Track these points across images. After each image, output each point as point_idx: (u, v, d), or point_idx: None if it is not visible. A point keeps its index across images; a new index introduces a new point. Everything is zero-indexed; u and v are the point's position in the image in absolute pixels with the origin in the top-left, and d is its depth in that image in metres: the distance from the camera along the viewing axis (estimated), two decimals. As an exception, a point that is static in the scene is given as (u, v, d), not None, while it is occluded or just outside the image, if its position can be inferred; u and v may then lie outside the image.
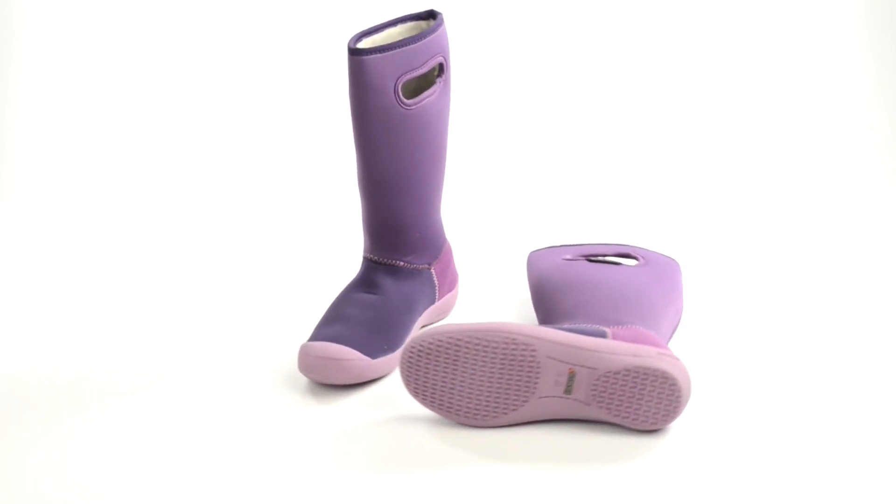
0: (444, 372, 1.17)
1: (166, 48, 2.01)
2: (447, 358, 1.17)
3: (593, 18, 2.05)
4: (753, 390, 1.26)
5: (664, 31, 2.04)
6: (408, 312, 1.35)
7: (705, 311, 1.47)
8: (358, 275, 1.37)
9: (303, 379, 1.31)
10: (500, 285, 1.56)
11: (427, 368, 1.18)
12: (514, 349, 1.16)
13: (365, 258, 1.37)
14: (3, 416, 1.22)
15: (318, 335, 1.28)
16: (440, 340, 1.17)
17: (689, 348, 1.37)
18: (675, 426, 1.19)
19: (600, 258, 1.42)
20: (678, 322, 1.34)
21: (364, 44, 1.30)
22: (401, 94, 1.29)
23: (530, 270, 1.40)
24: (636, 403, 1.16)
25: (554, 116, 2.01)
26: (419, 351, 1.17)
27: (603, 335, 1.18)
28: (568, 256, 1.40)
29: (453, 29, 2.03)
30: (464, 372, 1.17)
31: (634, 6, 2.04)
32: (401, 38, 1.34)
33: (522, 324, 1.19)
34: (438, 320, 1.44)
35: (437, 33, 1.32)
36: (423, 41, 1.30)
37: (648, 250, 1.42)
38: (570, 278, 1.33)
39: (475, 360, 1.17)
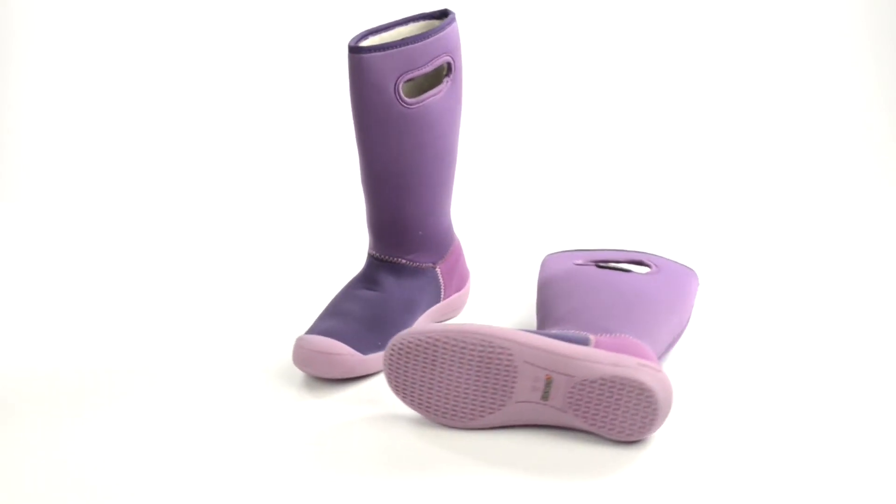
0: (423, 371, 1.18)
1: (168, 44, 2.02)
2: (426, 357, 1.17)
3: (616, 24, 2.03)
4: (746, 406, 1.24)
5: (669, 33, 2.04)
6: (407, 311, 1.35)
7: (710, 319, 1.44)
8: (361, 271, 1.37)
9: (300, 372, 1.32)
10: (514, 287, 1.55)
11: (407, 367, 1.18)
12: (490, 352, 1.16)
13: (369, 255, 1.38)
14: (3, 416, 1.24)
15: (313, 329, 1.29)
16: (419, 340, 1.17)
17: (690, 358, 1.34)
18: (655, 438, 1.17)
19: (611, 265, 1.40)
20: (681, 332, 1.32)
21: (371, 41, 1.30)
22: (401, 92, 1.29)
23: (540, 273, 1.39)
24: (612, 413, 1.15)
25: (575, 119, 2.00)
26: (399, 349, 1.18)
27: (586, 342, 1.17)
28: (579, 261, 1.39)
29: (472, 29, 2.02)
30: (441, 372, 1.17)
31: (647, 13, 2.04)
32: (410, 36, 1.34)
33: (503, 327, 1.19)
34: (445, 320, 1.44)
35: (443, 33, 1.31)
36: (426, 41, 1.29)
37: (665, 258, 1.40)
38: (573, 283, 1.32)
39: (453, 360, 1.17)
